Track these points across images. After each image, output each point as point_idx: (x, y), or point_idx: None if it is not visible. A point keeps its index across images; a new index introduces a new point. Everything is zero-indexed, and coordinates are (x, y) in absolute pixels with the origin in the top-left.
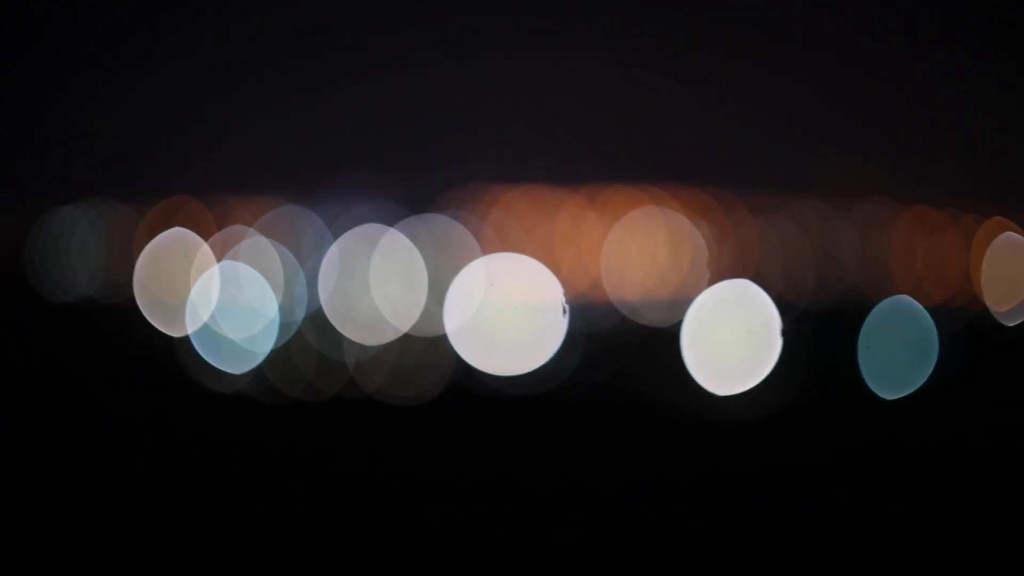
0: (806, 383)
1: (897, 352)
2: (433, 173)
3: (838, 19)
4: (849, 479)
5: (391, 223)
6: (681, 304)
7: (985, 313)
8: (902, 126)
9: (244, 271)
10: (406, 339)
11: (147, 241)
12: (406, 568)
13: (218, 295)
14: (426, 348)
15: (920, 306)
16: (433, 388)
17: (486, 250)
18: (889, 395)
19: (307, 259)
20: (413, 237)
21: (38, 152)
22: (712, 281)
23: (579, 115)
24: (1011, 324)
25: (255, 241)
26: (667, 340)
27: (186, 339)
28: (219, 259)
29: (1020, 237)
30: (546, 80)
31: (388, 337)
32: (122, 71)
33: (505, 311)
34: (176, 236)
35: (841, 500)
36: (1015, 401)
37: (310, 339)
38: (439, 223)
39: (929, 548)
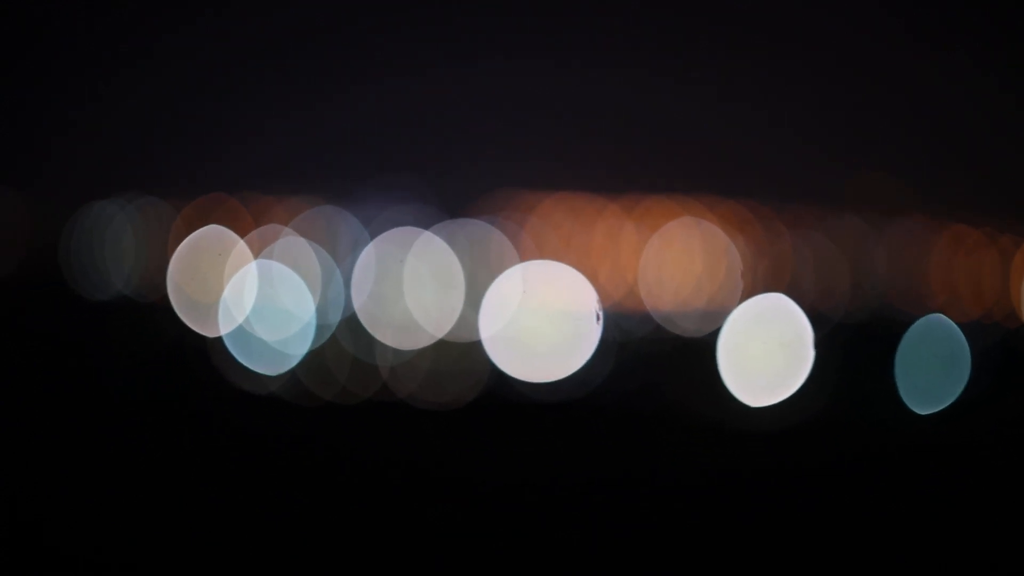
0: (839, 395)
1: (931, 368)
2: (471, 177)
3: (885, 41)
4: (877, 491)
5: (427, 226)
6: (715, 315)
7: (1021, 329)
8: (942, 145)
9: (279, 270)
10: (441, 345)
11: (183, 237)
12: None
13: (254, 294)
14: (461, 354)
15: (954, 324)
16: (466, 394)
17: (523, 256)
18: (923, 410)
19: (343, 260)
20: (450, 241)
21: (76, 146)
22: (747, 293)
23: (618, 125)
24: None
25: (291, 240)
26: (700, 350)
27: (220, 339)
28: (255, 257)
29: None
30: (588, 88)
31: (423, 342)
32: (160, 67)
33: (540, 318)
34: (212, 233)
35: (867, 512)
36: None
37: (344, 343)
38: (476, 228)
39: (952, 561)
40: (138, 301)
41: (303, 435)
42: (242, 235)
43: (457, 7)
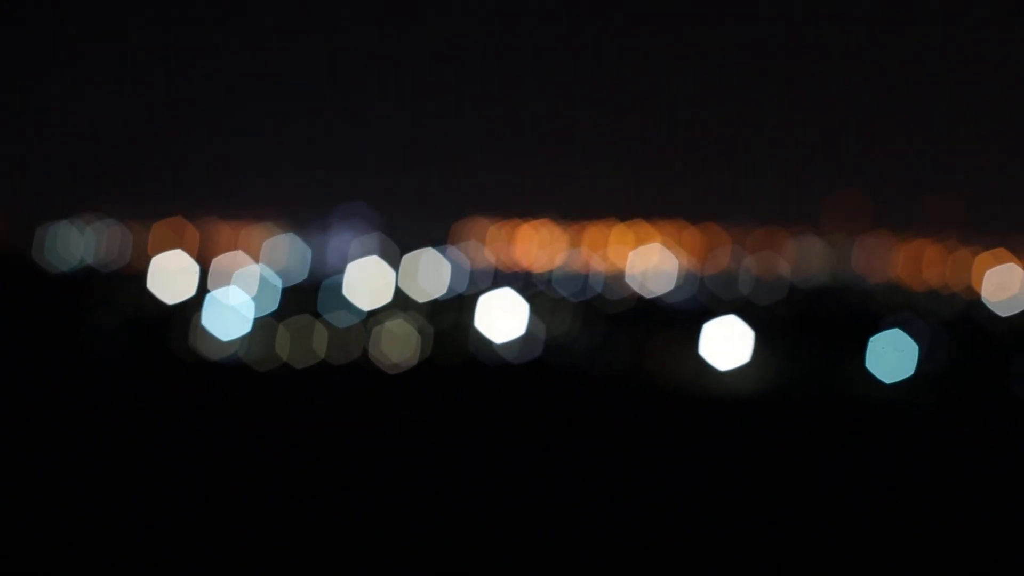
0: (798, 366)
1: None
2: (442, 206)
3: (854, 63)
4: (839, 455)
5: (390, 257)
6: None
7: (979, 302)
8: (908, 160)
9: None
10: (393, 306)
11: (142, 257)
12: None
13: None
14: (416, 316)
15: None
16: (418, 354)
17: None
18: (886, 379)
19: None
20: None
21: (36, 166)
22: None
23: (583, 154)
24: (1006, 315)
25: (251, 268)
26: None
27: (186, 305)
28: (215, 284)
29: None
30: (551, 116)
31: (373, 305)
32: (120, 90)
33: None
34: (175, 256)
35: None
36: (1006, 387)
37: (306, 307)
38: (435, 257)
39: (899, 519)
40: (103, 272)
41: (264, 397)
42: (204, 260)
43: (428, 42)
